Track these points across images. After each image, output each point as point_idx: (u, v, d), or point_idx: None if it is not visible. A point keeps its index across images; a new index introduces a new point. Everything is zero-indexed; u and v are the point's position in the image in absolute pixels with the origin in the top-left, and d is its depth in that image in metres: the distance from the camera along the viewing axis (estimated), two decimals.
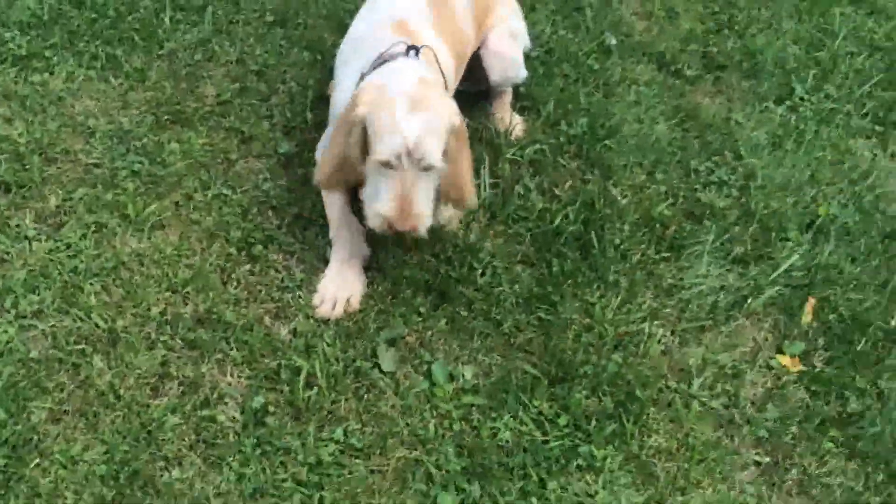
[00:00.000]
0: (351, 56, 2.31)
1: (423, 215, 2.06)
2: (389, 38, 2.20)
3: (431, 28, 2.35)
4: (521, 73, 2.67)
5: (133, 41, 2.68)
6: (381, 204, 2.04)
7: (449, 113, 2.07)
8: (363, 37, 2.31)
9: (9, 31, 2.63)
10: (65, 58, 2.60)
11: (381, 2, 2.40)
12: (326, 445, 1.94)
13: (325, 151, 2.19)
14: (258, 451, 1.90)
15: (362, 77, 2.17)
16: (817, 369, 2.29)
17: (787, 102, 3.03)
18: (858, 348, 2.33)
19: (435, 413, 2.04)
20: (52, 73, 2.56)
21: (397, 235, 2.11)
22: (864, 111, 3.03)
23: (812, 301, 2.45)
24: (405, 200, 2.02)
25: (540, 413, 2.07)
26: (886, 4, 3.50)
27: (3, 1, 2.71)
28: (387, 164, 1.98)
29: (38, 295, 2.06)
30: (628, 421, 2.05)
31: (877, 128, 3.00)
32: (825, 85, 3.09)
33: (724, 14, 3.33)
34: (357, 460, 1.94)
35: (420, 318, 2.21)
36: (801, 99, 3.03)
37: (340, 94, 2.26)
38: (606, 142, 2.69)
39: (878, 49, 3.28)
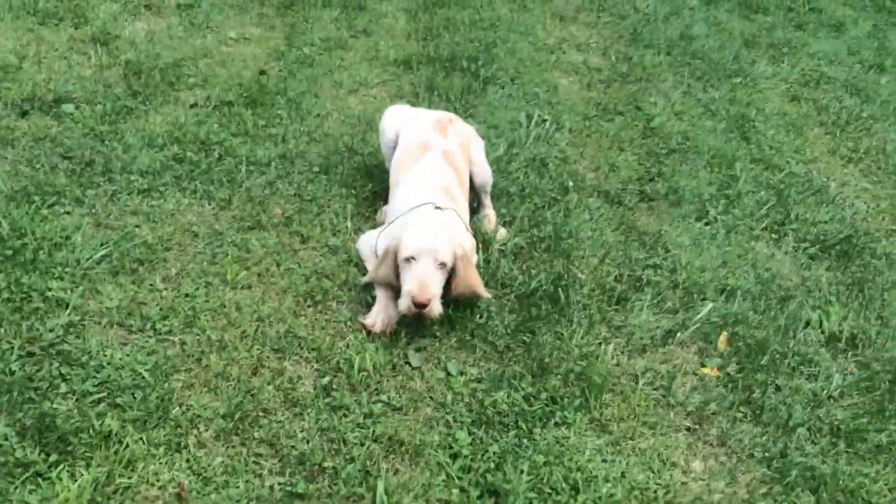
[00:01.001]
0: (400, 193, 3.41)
1: (436, 296, 3.00)
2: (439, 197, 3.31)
3: (458, 186, 3.47)
4: (491, 177, 3.75)
5: (221, 181, 3.71)
6: (407, 285, 3.00)
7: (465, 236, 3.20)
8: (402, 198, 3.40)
9: (134, 175, 3.68)
10: (173, 191, 3.63)
11: (428, 173, 3.46)
12: (375, 404, 2.82)
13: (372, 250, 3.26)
14: (328, 408, 2.75)
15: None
16: (731, 374, 3.18)
17: (704, 220, 3.97)
18: (761, 361, 3.22)
19: (450, 390, 2.88)
20: (164, 200, 3.55)
21: (417, 315, 3.01)
22: (763, 225, 4.03)
23: (724, 334, 3.33)
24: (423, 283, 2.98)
25: (526, 392, 2.90)
26: (779, 161, 4.60)
27: (129, 157, 3.81)
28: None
29: (169, 321, 2.98)
30: (590, 398, 2.89)
31: (772, 235, 4.00)
32: (732, 209, 4.05)
33: (654, 168, 4.34)
34: (397, 414, 2.80)
35: (437, 338, 3.08)
36: (715, 218, 3.99)
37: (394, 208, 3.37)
38: (568, 241, 3.70)
39: (772, 188, 4.32)
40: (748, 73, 5.42)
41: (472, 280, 3.11)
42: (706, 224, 3.98)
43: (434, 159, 3.46)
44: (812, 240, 3.95)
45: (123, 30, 4.73)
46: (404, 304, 2.98)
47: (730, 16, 6.26)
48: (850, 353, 3.34)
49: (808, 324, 3.43)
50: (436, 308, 2.98)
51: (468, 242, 3.22)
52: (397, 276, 3.04)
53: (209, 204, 3.57)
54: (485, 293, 3.17)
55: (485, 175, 3.71)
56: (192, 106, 4.20)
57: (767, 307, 3.47)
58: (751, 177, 4.36)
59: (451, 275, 3.09)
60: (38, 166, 3.63)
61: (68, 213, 3.39)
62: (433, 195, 3.26)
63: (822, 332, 3.42)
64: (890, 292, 3.64)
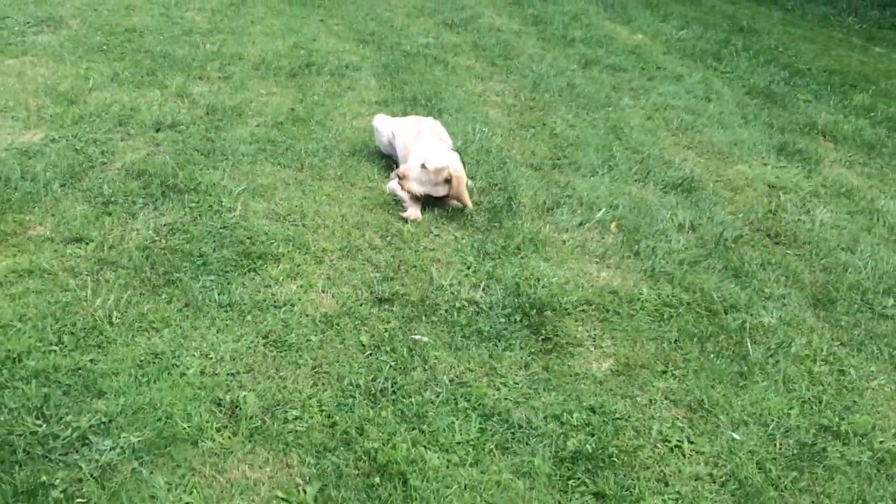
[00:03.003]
0: (413, 157, 5.42)
1: (443, 171, 5.15)
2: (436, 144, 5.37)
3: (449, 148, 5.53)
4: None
5: (292, 159, 5.88)
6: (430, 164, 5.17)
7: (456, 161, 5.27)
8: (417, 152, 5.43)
9: (239, 156, 5.93)
10: (266, 164, 5.87)
11: (428, 140, 5.56)
12: (419, 248, 5.04)
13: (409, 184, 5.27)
14: (394, 249, 4.87)
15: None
16: (622, 240, 5.66)
17: (596, 175, 6.49)
18: (635, 236, 5.71)
19: (458, 243, 4.99)
20: (264, 167, 5.82)
21: (430, 197, 5.16)
22: (634, 178, 6.50)
23: (615, 222, 5.50)
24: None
25: (502, 245, 5.04)
26: (641, 148, 6.97)
27: (233, 148, 6.16)
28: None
29: (292, 216, 5.32)
30: (538, 247, 5.05)
31: (640, 182, 6.48)
32: (613, 170, 6.31)
33: (560, 153, 6.66)
34: (431, 252, 5.00)
35: (445, 224, 5.17)
36: (602, 174, 6.45)
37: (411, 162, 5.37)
38: (512, 186, 6.16)
39: (638, 161, 6.79)
40: (616, 105, 7.80)
41: (463, 192, 5.22)
42: (597, 177, 6.27)
43: (427, 133, 5.58)
44: (665, 184, 6.20)
45: (192, 89, 6.95)
46: (410, 188, 5.14)
47: (600, 73, 8.77)
48: (690, 232, 5.46)
49: (665, 220, 5.61)
50: (415, 189, 5.12)
51: (461, 170, 5.45)
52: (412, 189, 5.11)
53: (289, 169, 5.70)
54: (470, 203, 5.26)
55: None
56: (257, 126, 6.43)
57: (639, 212, 5.82)
58: (623, 156, 6.72)
59: (450, 190, 5.28)
60: (183, 154, 5.71)
61: (213, 171, 5.45)
62: (436, 149, 5.37)
63: (673, 223, 5.68)
64: (712, 208, 5.95)
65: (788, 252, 5.32)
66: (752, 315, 4.59)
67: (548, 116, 7.29)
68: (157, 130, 5.84)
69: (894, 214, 6.08)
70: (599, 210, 5.58)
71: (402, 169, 5.14)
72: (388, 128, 5.85)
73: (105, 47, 7.38)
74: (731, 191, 6.17)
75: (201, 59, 7.41)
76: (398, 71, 7.84)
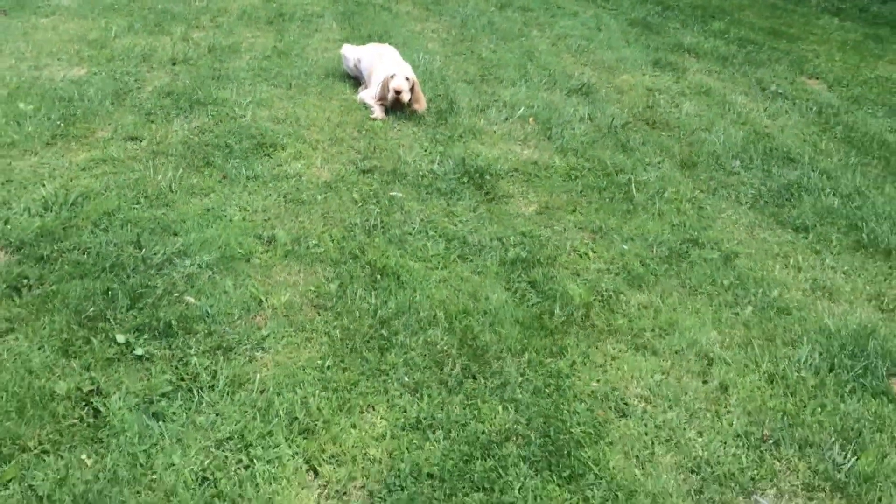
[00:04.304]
0: (377, 74, 6.17)
1: (404, 89, 5.79)
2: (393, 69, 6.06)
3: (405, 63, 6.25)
4: None
5: (280, 81, 6.74)
6: (392, 84, 5.84)
7: (412, 72, 5.98)
8: (381, 70, 6.21)
9: (241, 80, 6.76)
10: (263, 84, 6.68)
11: (389, 61, 6.25)
12: (388, 136, 5.95)
13: (370, 95, 6.04)
14: (369, 136, 5.67)
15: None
16: (537, 129, 6.49)
17: (515, 86, 7.33)
18: (548, 131, 6.55)
19: (416, 134, 5.91)
20: (261, 87, 6.62)
21: (396, 101, 5.83)
22: (545, 86, 7.35)
23: (532, 118, 6.54)
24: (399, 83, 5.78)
25: (448, 135, 5.82)
26: (542, 67, 7.99)
27: (235, 74, 6.86)
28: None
29: (288, 120, 6.09)
30: (476, 135, 6.02)
31: (549, 89, 7.34)
32: (528, 82, 7.23)
33: (486, 72, 7.49)
34: (398, 139, 5.96)
35: (406, 123, 6.09)
36: (520, 85, 7.33)
37: (376, 79, 6.17)
38: (450, 95, 6.95)
39: (547, 77, 7.69)
40: (528, 36, 8.53)
41: (419, 95, 5.98)
42: (515, 87, 7.08)
43: (388, 55, 6.26)
44: (568, 90, 6.95)
45: (193, 35, 7.51)
46: (390, 95, 5.82)
47: (513, 13, 9.48)
48: (588, 122, 6.22)
49: (569, 114, 6.53)
50: (405, 98, 5.95)
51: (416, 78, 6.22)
52: (385, 95, 5.79)
53: (280, 88, 6.32)
54: (425, 105, 6.01)
55: None
56: (250, 59, 6.95)
57: (549, 109, 6.63)
58: (535, 72, 7.48)
59: (411, 95, 6.08)
60: (197, 79, 6.34)
61: (224, 90, 6.05)
62: (399, 63, 6.16)
63: (576, 116, 6.44)
64: (605, 105, 6.84)
65: (662, 134, 6.13)
66: (636, 175, 5.34)
67: (475, 46, 7.94)
68: (174, 64, 6.41)
69: (740, 105, 6.90)
70: (520, 109, 6.29)
71: (395, 84, 5.74)
72: (353, 54, 6.46)
73: (115, 7, 7.86)
74: (619, 93, 6.93)
75: (195, 13, 7.95)
76: (353, 16, 8.45)
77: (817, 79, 7.87)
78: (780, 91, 7.30)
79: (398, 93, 5.68)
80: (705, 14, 9.93)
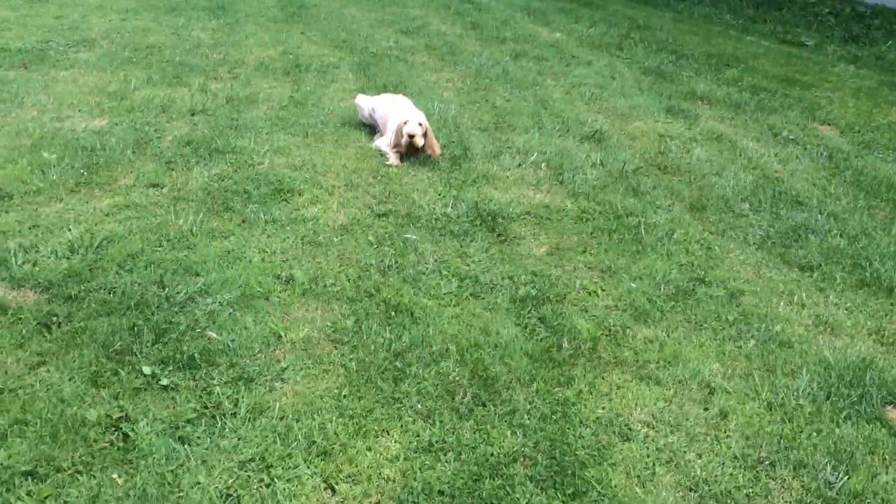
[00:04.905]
0: (392, 122, 6.51)
1: (418, 134, 6.10)
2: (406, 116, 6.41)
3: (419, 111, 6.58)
4: None
5: (297, 129, 7.10)
6: (406, 129, 6.18)
7: (425, 119, 6.28)
8: (395, 118, 6.57)
9: (259, 130, 7.16)
10: (280, 133, 7.10)
11: (402, 109, 6.64)
12: (403, 182, 6.33)
13: (385, 142, 6.39)
14: (385, 180, 5.99)
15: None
16: (549, 172, 6.83)
17: (529, 133, 7.70)
18: (560, 174, 6.90)
19: (431, 175, 6.42)
20: (278, 135, 7.04)
21: (409, 146, 6.16)
22: (558, 133, 7.72)
23: (545, 163, 6.95)
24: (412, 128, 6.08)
25: (466, 167, 6.47)
26: (563, 116, 8.33)
27: (252, 124, 7.27)
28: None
29: (303, 170, 6.47)
30: (493, 165, 6.52)
31: (563, 133, 7.72)
32: (542, 129, 7.56)
33: (502, 119, 7.84)
34: (413, 182, 6.32)
35: (423, 166, 6.51)
36: (534, 132, 7.73)
37: (390, 127, 6.53)
38: (466, 142, 7.32)
39: (561, 123, 8.07)
40: (542, 85, 8.92)
41: (432, 141, 6.38)
42: (529, 134, 7.44)
43: (402, 104, 6.59)
44: (581, 136, 7.24)
45: (210, 86, 7.93)
46: (404, 140, 6.11)
47: (528, 63, 9.89)
48: (600, 167, 6.52)
49: (581, 160, 6.82)
50: (418, 142, 6.27)
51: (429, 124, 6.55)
52: (400, 142, 6.07)
53: (297, 136, 6.69)
54: (438, 150, 6.38)
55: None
56: (267, 109, 7.36)
57: (562, 155, 6.93)
58: (549, 119, 7.81)
59: (424, 141, 6.40)
60: (216, 129, 6.70)
61: (242, 139, 6.38)
62: (412, 111, 6.48)
63: (588, 162, 6.74)
64: (616, 151, 7.20)
65: (673, 178, 6.44)
66: (645, 217, 5.63)
67: (489, 95, 8.29)
68: (193, 114, 6.79)
69: (751, 150, 7.20)
70: (532, 155, 6.59)
71: (409, 129, 6.04)
72: (367, 104, 6.81)
73: (133, 60, 8.31)
74: (631, 139, 7.25)
75: (212, 65, 8.38)
76: (369, 67, 8.86)
77: (829, 125, 8.16)
78: (791, 137, 7.59)
79: (411, 137, 5.95)
80: (719, 62, 10.30)
